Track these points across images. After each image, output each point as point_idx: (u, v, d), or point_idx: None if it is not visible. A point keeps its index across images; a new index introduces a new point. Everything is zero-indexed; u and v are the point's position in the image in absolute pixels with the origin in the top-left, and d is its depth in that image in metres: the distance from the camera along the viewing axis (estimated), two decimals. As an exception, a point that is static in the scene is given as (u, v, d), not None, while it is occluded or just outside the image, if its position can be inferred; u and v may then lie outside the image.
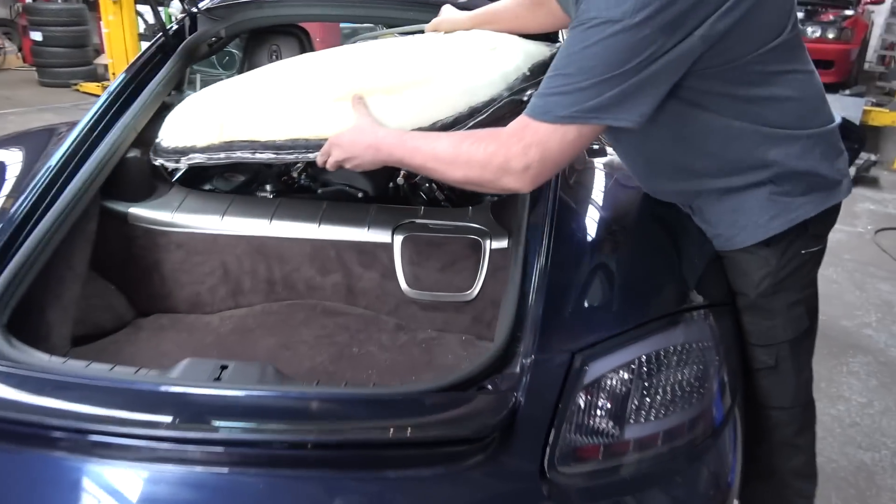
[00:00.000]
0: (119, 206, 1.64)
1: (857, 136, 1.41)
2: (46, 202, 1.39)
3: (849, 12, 7.06)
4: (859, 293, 3.37)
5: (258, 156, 1.41)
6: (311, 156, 1.35)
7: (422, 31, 1.72)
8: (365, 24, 4.08)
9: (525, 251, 1.30)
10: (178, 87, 2.31)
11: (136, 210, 1.64)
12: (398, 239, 1.61)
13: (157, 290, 1.66)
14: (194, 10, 2.09)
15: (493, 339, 1.59)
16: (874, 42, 8.31)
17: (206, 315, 1.66)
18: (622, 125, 1.02)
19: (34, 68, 7.86)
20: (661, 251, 1.32)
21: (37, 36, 7.54)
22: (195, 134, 1.53)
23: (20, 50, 8.67)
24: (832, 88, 5.76)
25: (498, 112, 1.37)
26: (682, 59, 0.99)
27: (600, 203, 1.45)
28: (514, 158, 1.03)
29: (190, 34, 2.07)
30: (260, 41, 2.30)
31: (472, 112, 1.35)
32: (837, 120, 1.24)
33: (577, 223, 1.38)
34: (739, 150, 1.17)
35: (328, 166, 1.31)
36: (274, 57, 2.28)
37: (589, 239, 1.34)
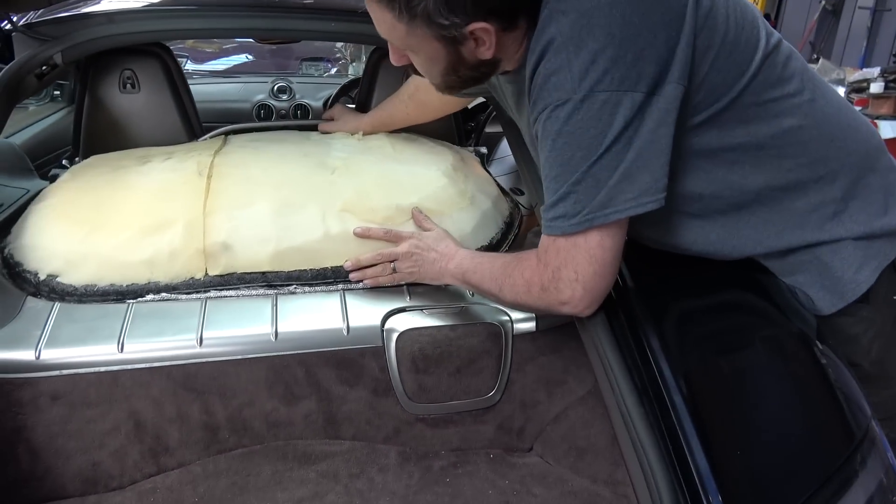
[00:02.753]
0: (-58, 353, 1.03)
1: None
2: None
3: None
4: None
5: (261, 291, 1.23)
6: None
7: (314, 128, 1.70)
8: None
9: (601, 337, 0.96)
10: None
11: (-27, 353, 1.04)
12: (391, 339, 1.17)
13: (25, 471, 1.06)
14: (6, 26, 1.45)
15: (528, 450, 1.25)
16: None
17: (113, 494, 1.10)
18: (647, 209, 0.86)
19: None
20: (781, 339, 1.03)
21: None
22: (150, 260, 1.18)
23: None
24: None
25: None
26: (669, 110, 0.85)
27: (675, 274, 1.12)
28: (550, 286, 0.93)
29: (3, 62, 1.43)
30: (106, 64, 1.66)
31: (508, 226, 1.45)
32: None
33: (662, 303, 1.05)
34: (777, 207, 1.00)
35: (389, 280, 1.24)
36: (129, 85, 1.67)
37: (693, 332, 1.01)
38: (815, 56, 5.73)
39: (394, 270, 1.23)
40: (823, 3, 6.78)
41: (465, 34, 0.88)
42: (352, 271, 1.23)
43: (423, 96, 1.50)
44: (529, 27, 0.90)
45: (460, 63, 0.94)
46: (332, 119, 1.69)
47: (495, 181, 1.62)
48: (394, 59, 0.98)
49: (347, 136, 1.60)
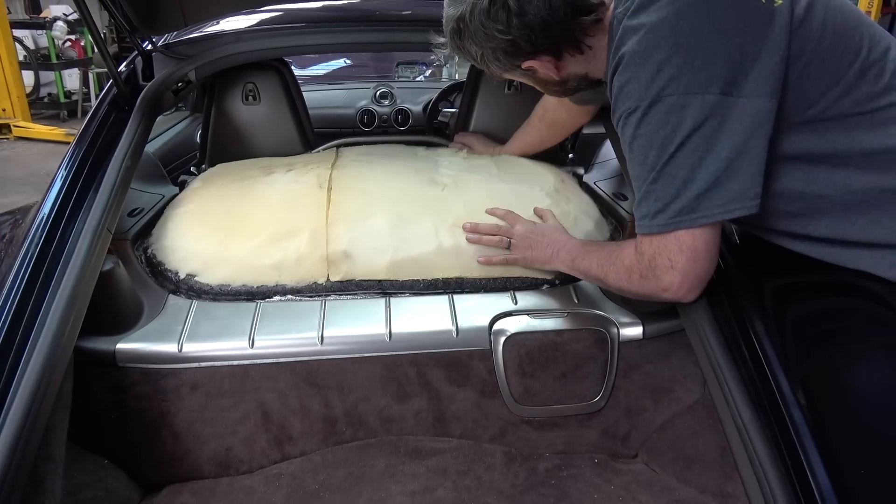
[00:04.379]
0: (101, 344, 1.15)
1: None
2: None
3: None
4: None
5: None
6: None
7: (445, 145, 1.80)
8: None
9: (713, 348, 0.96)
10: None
11: (127, 345, 1.16)
12: (499, 343, 1.21)
13: (168, 452, 1.18)
14: (147, 46, 1.59)
15: (633, 456, 1.26)
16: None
17: (243, 477, 1.20)
18: (735, 215, 0.88)
19: None
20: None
21: None
22: (278, 264, 1.28)
23: None
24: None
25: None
26: (761, 123, 0.86)
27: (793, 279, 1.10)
28: (648, 274, 0.97)
29: (145, 79, 1.57)
30: (230, 77, 1.80)
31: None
32: None
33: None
34: (891, 210, 0.94)
35: (498, 260, 1.30)
36: (251, 97, 1.80)
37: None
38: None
39: (507, 247, 1.29)
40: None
41: (524, 69, 1.07)
42: (468, 234, 1.31)
43: (551, 116, 1.58)
44: (598, 46, 1.02)
45: (545, 82, 1.11)
46: (464, 145, 1.76)
47: (596, 192, 1.63)
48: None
49: (453, 153, 1.67)
